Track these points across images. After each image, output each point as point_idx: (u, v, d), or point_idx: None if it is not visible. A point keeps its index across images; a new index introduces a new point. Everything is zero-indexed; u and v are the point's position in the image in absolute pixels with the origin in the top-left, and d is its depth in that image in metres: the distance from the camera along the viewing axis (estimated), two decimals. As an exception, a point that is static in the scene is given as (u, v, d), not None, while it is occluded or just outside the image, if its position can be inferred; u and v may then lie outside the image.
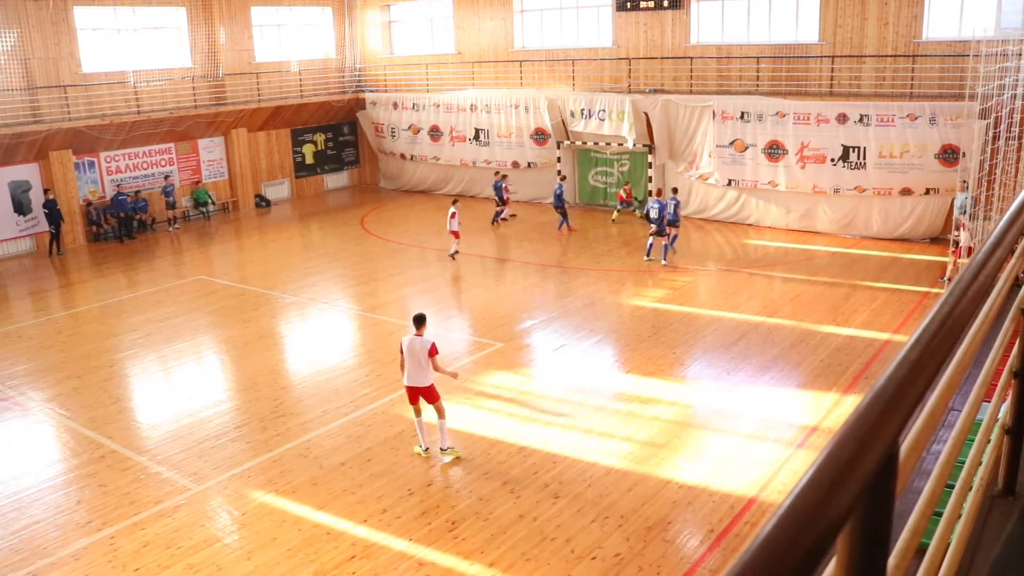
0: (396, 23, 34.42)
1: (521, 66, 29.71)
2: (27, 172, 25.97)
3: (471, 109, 30.15)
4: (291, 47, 33.22)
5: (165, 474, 11.68)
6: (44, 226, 25.72)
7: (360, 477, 11.28)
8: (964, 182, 19.37)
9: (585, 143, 27.73)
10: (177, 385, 15.32)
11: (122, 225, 27.33)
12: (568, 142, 27.88)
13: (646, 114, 25.66)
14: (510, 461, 11.51)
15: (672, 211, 21.11)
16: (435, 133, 31.51)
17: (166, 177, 29.06)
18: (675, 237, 21.70)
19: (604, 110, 26.21)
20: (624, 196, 26.66)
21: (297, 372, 15.63)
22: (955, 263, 17.75)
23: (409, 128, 32.27)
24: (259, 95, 31.49)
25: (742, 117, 24.15)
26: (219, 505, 10.87)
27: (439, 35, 32.90)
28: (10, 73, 25.58)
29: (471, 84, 31.10)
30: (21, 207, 25.89)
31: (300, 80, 32.91)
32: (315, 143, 33.97)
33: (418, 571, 9.26)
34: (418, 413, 11.76)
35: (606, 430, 12.32)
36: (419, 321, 11.70)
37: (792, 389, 13.68)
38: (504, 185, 26.18)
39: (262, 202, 31.93)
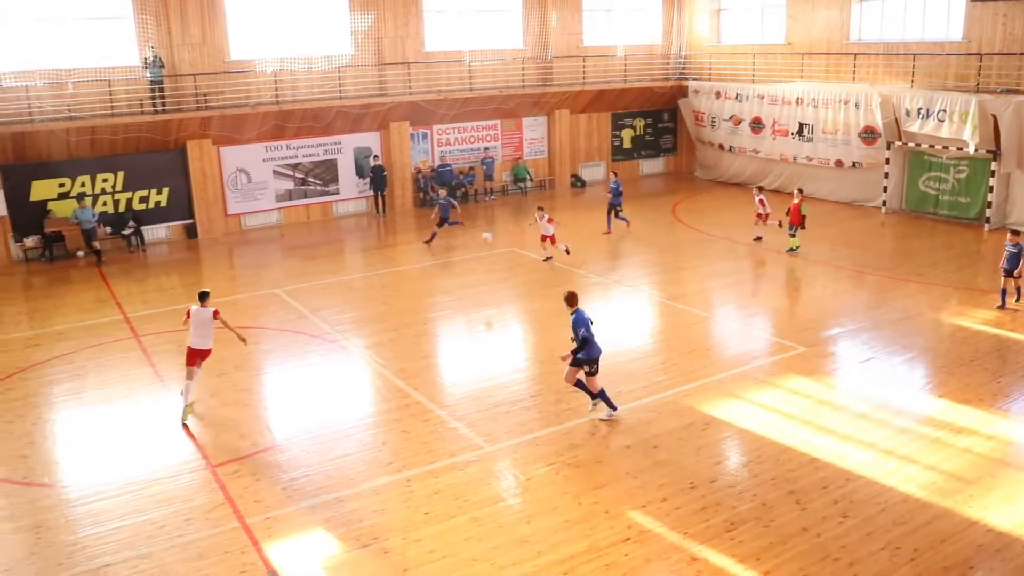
0: (725, 11, 33.72)
1: (855, 59, 28.01)
2: (370, 140, 28.56)
3: (797, 102, 28.93)
4: (618, 32, 33.63)
5: (461, 430, 12.39)
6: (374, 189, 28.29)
7: (644, 463, 11.30)
8: None
9: (919, 145, 25.63)
10: (481, 349, 16.17)
11: (451, 192, 29.25)
12: (900, 143, 25.93)
13: (994, 116, 23.22)
14: (800, 471, 11.01)
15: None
16: (757, 125, 30.61)
17: (485, 150, 30.74)
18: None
19: (944, 110, 24.05)
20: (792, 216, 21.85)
21: (593, 350, 15.93)
22: None
23: (730, 118, 31.60)
24: (584, 78, 32.24)
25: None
26: (507, 467, 11.35)
27: (769, 24, 31.82)
28: (365, 50, 28.11)
29: (799, 76, 29.82)
30: (362, 171, 28.55)
31: (625, 65, 33.27)
32: (634, 128, 34.27)
33: (690, 565, 9.13)
34: (192, 376, 13.01)
35: (909, 454, 11.41)
36: (203, 296, 13.29)
37: None
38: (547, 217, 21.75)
39: (577, 182, 32.80)
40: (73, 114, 23.63)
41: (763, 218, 22.64)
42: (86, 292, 20.40)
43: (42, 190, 24.08)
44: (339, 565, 9.34)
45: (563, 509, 10.26)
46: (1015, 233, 17.07)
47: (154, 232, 25.57)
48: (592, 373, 12.39)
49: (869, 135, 26.72)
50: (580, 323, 12.14)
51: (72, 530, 10.19)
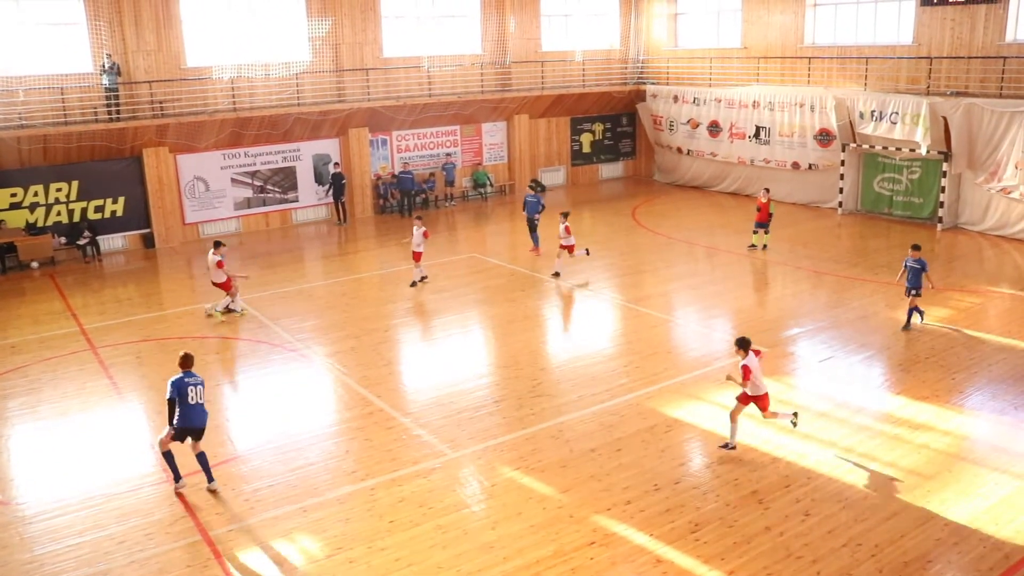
0: (682, 15, 34.05)
1: (810, 63, 28.43)
2: (329, 147, 28.39)
3: (753, 106, 29.28)
4: (576, 37, 33.80)
5: (425, 437, 12.36)
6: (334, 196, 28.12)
7: (608, 466, 11.35)
8: None
9: (873, 147, 26.07)
10: (443, 355, 16.14)
11: (404, 201, 29.19)
12: (854, 145, 26.36)
13: (944, 119, 23.68)
14: (762, 470, 11.13)
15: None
16: (714, 128, 30.92)
17: (447, 156, 30.74)
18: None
19: (897, 112, 24.48)
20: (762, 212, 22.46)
21: (557, 355, 15.98)
22: None
23: (688, 122, 31.88)
24: (543, 83, 32.34)
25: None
26: (471, 473, 11.34)
27: (725, 28, 32.19)
28: (323, 57, 27.98)
29: (755, 80, 30.20)
30: (321, 178, 28.37)
31: (583, 70, 33.43)
32: (593, 132, 34.44)
33: (656, 567, 9.19)
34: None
35: (868, 452, 11.59)
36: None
37: (1094, 434, 12.18)
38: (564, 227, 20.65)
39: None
40: (24, 122, 23.22)
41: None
42: (40, 304, 20.03)
43: (-6, 201, 23.62)
44: (303, 576, 9.27)
45: (528, 514, 10.28)
46: (915, 248, 16.43)
47: (110, 242, 25.16)
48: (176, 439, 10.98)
49: (824, 137, 27.12)
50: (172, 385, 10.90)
51: (28, 548, 9.98)
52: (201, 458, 10.98)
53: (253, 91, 26.69)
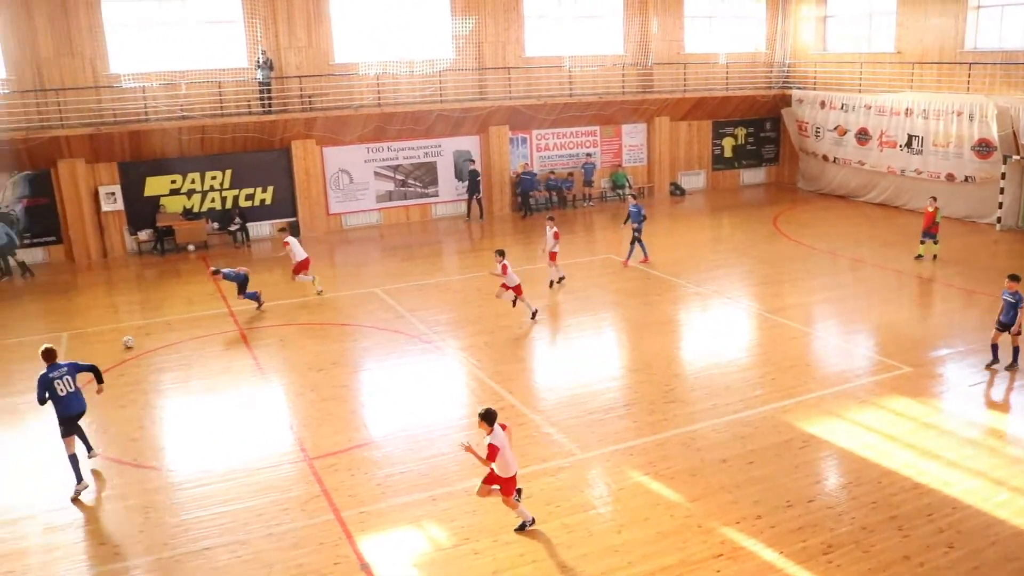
0: (831, 18, 32.92)
1: (970, 69, 26.99)
2: (469, 143, 28.83)
3: (906, 113, 28.04)
4: (721, 39, 33.18)
5: (554, 436, 12.38)
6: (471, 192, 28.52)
7: (739, 478, 11.09)
8: None
9: (1039, 160, 24.56)
10: (576, 355, 16.12)
11: (525, 201, 29.08)
12: (1017, 157, 24.88)
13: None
14: (902, 495, 10.63)
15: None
16: (863, 136, 29.78)
17: (587, 156, 30.73)
18: None
19: (1068, 124, 22.99)
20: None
21: (691, 362, 15.73)
22: None
23: (835, 129, 30.82)
24: (685, 85, 31.90)
25: None
26: (599, 475, 11.29)
27: (878, 32, 30.91)
28: (466, 55, 28.41)
29: (909, 86, 28.90)
30: (461, 174, 28.84)
31: (727, 72, 32.80)
32: (735, 137, 33.76)
33: (786, 586, 8.93)
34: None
35: (1022, 486, 10.91)
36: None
37: None
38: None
39: (676, 190, 32.47)
40: (185, 114, 24.52)
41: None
42: (194, 285, 21.13)
43: (155, 186, 25.08)
44: (430, 563, 9.43)
45: (655, 520, 10.15)
46: (1013, 279, 14.31)
47: (259, 229, 26.32)
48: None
49: (984, 148, 25.72)
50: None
51: (177, 512, 10.56)
52: (72, 459, 11.06)
53: (397, 87, 27.37)
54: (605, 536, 9.84)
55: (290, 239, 19.64)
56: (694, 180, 33.22)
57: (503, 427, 9.91)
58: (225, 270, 18.57)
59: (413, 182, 28.38)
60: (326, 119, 25.89)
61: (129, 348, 16.51)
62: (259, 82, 25.26)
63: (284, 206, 26.54)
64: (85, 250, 24.51)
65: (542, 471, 11.34)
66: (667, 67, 31.70)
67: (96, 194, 24.55)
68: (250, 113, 25.27)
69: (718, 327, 17.60)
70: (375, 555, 9.56)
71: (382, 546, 9.75)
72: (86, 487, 11.13)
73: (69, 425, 11.13)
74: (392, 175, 28.02)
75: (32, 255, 24.32)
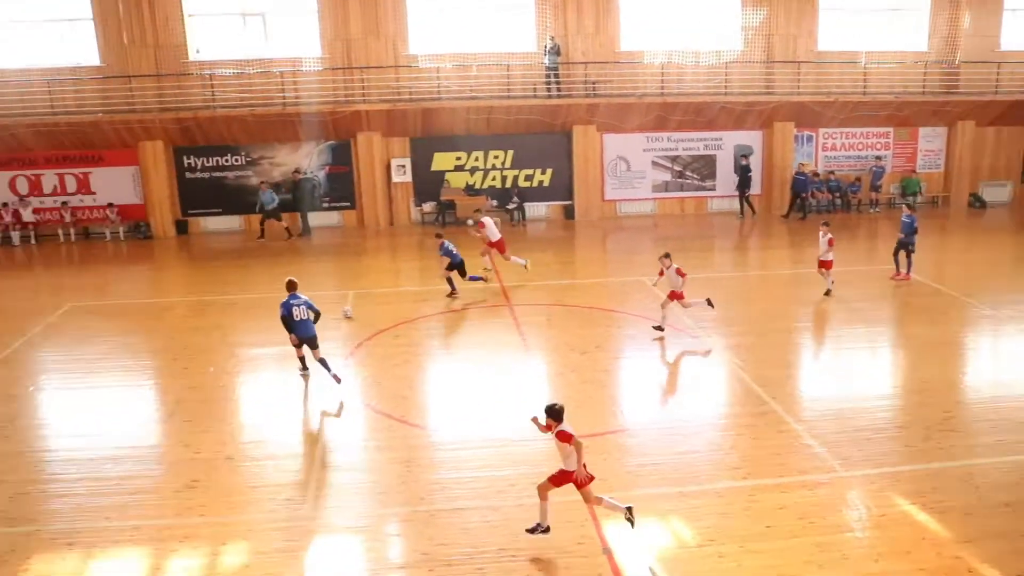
0: None
1: None
2: (751, 138, 28.03)
3: None
4: (1049, 35, 29.94)
5: (816, 449, 11.80)
6: (752, 190, 27.67)
7: (1023, 526, 10.04)
8: None
9: None
10: (846, 367, 15.25)
11: (794, 203, 27.80)
12: None
13: None
14: None
15: None
16: None
17: (877, 159, 28.91)
18: None
19: None
20: None
21: (976, 389, 14.38)
22: None
23: None
24: (997, 86, 29.10)
25: None
26: (860, 497, 10.63)
27: None
28: (754, 47, 27.56)
29: None
30: (734, 168, 28.13)
31: (1052, 74, 29.61)
32: (1054, 147, 30.42)
33: (1071, 651, 7.99)
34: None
35: None
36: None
37: None
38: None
39: (976, 202, 29.80)
40: (474, 95, 25.67)
41: None
42: (470, 258, 22.08)
43: (441, 162, 26.54)
44: (672, 559, 9.31)
45: (919, 556, 9.41)
46: None
47: (535, 209, 27.12)
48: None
49: None
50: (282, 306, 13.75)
51: (435, 470, 11.16)
52: (323, 362, 13.77)
53: (681, 77, 27.09)
54: (860, 562, 9.26)
55: (485, 219, 19.99)
56: (998, 192, 30.31)
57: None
58: (447, 243, 18.84)
59: (691, 174, 28.06)
60: (608, 106, 26.15)
61: (349, 318, 17.23)
62: (546, 67, 25.91)
63: (561, 189, 27.14)
64: (374, 217, 26.49)
65: (799, 483, 10.85)
66: (977, 66, 29.05)
67: (388, 166, 26.39)
68: (535, 97, 26.02)
69: (1012, 355, 15.97)
70: (618, 542, 9.59)
71: (626, 534, 9.75)
72: (308, 375, 14.23)
73: (300, 341, 13.96)
74: (670, 165, 27.86)
75: (328, 218, 26.73)
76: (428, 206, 26.63)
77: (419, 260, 22.41)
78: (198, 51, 26.07)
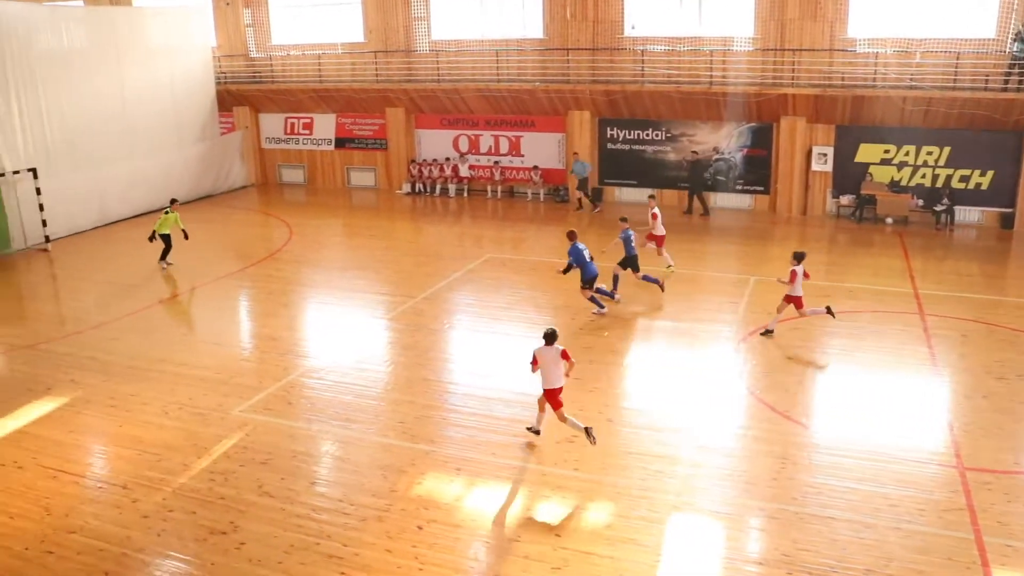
0: None
1: None
2: None
3: None
4: None
5: None
6: None
7: None
8: None
9: None
10: None
11: None
12: None
13: None
14: None
15: None
16: None
17: None
18: None
19: None
20: None
21: None
22: None
23: None
24: None
25: None
26: None
27: None
28: None
29: None
30: None
31: None
32: None
33: None
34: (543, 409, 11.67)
35: None
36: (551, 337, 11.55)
37: None
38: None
39: None
40: (914, 84, 23.72)
41: None
42: (883, 258, 20.73)
43: (867, 153, 24.97)
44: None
45: None
46: None
47: (966, 214, 24.55)
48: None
49: None
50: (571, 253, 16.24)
51: (812, 473, 10.70)
52: (599, 290, 16.70)
53: None
54: None
55: (657, 210, 19.15)
56: None
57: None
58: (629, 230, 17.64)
59: None
60: (1078, 105, 22.79)
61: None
62: (1014, 56, 23.01)
63: (1001, 194, 24.25)
64: (787, 204, 25.72)
65: None
66: None
67: (809, 153, 25.38)
68: (986, 89, 23.39)
69: None
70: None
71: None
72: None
73: (590, 283, 16.36)
74: None
75: (740, 200, 26.49)
76: (846, 199, 25.21)
77: (827, 254, 21.36)
78: (633, 27, 26.94)
